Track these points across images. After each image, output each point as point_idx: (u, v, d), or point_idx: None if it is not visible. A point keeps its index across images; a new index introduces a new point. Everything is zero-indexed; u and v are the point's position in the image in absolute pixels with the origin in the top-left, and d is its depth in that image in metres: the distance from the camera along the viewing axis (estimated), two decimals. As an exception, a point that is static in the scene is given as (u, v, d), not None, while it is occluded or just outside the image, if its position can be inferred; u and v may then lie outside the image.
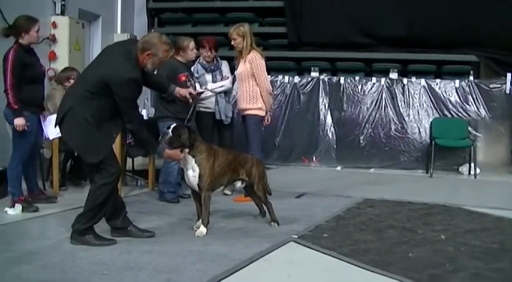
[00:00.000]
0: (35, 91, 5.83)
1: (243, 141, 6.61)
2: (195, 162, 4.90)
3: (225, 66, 7.22)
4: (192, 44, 6.58)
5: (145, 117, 7.33)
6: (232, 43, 6.47)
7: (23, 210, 5.63)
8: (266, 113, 6.50)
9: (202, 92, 6.47)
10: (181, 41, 6.53)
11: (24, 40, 5.72)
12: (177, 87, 5.25)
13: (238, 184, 5.36)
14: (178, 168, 6.45)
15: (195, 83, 6.61)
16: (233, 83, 7.39)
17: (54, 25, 8.30)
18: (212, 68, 7.08)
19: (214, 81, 6.98)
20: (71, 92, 4.70)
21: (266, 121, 6.54)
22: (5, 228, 5.12)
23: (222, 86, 7.01)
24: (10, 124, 5.74)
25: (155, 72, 4.93)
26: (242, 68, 6.43)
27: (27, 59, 5.72)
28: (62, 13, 8.50)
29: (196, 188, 4.96)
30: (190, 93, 5.28)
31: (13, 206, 5.65)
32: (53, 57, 8.16)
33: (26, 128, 5.64)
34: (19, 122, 5.59)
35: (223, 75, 7.07)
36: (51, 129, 5.82)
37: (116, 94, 4.36)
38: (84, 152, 4.55)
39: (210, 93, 6.88)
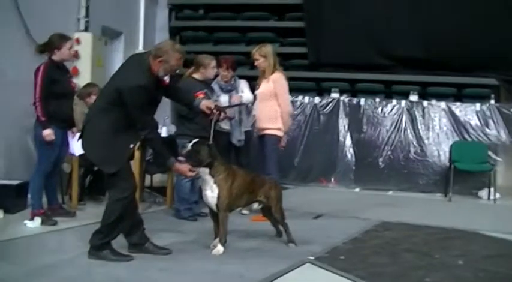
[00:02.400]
0: (62, 106, 5.92)
1: (260, 160, 6.61)
2: (214, 182, 4.89)
3: (244, 84, 7.14)
4: (213, 62, 6.59)
5: (165, 135, 7.37)
6: (255, 63, 6.51)
7: (41, 223, 5.69)
8: (284, 135, 6.50)
9: (227, 107, 6.28)
10: (203, 58, 6.55)
11: (56, 56, 5.90)
12: (203, 101, 5.11)
13: (255, 205, 5.35)
14: (193, 185, 6.46)
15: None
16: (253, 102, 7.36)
17: (78, 41, 8.39)
18: (229, 88, 7.02)
19: (229, 102, 6.88)
20: (92, 107, 4.82)
21: (282, 143, 6.51)
22: (23, 241, 5.17)
23: (242, 98, 6.91)
24: (38, 137, 5.85)
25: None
26: (265, 87, 6.45)
27: (56, 75, 5.86)
28: (86, 29, 8.62)
29: (214, 208, 4.96)
30: (216, 105, 5.06)
31: (32, 219, 5.72)
32: (75, 72, 8.24)
33: (52, 138, 5.75)
34: (47, 132, 5.74)
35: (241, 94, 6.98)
36: (78, 145, 5.89)
37: (126, 102, 4.38)
38: (101, 161, 4.59)
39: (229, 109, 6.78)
